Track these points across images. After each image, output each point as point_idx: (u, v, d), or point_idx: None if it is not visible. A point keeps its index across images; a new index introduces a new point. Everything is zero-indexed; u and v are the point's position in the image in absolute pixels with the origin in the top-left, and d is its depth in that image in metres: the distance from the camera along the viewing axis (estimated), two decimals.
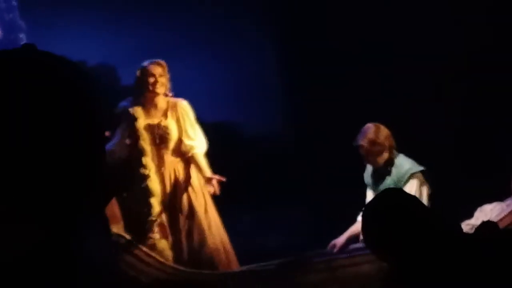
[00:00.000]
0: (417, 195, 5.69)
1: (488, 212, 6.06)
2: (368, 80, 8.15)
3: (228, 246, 6.34)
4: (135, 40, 8.27)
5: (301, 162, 8.32)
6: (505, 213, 5.88)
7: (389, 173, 6.02)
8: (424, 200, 5.82)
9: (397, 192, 2.80)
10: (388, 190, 3.01)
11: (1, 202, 1.04)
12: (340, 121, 8.07)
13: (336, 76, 8.28)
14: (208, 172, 6.31)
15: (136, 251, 5.82)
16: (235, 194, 6.43)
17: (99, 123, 1.13)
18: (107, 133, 7.66)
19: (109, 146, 6.24)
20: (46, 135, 1.06)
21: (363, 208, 2.75)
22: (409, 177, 5.93)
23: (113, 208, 5.83)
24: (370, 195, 6.10)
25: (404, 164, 6.00)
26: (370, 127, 6.08)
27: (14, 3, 8.56)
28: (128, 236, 5.85)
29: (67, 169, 1.06)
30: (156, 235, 6.12)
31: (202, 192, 6.31)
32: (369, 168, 6.25)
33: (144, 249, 5.92)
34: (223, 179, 6.25)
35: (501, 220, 5.71)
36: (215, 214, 6.34)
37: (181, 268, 6.05)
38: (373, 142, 6.01)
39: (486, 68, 7.79)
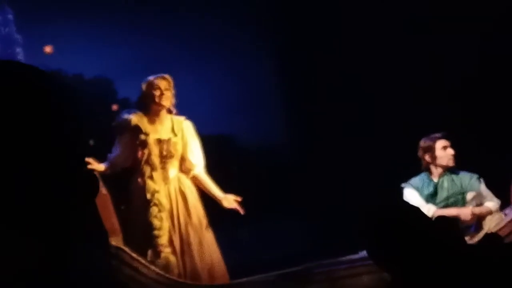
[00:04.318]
0: (489, 194, 6.26)
1: (487, 221, 6.10)
2: (367, 91, 8.17)
3: (220, 261, 6.33)
4: (133, 54, 8.28)
5: (300, 174, 8.32)
6: (504, 222, 5.89)
7: (453, 180, 6.35)
8: (493, 196, 6.25)
9: (400, 203, 2.80)
10: (390, 200, 3.01)
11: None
12: (340, 133, 8.10)
13: (335, 88, 8.30)
14: (219, 192, 6.36)
15: (136, 264, 5.80)
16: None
17: (74, 134, 1.12)
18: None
19: (110, 157, 6.25)
20: (23, 146, 1.05)
21: (365, 218, 2.74)
22: (477, 180, 6.32)
23: (112, 220, 5.82)
24: (417, 200, 6.21)
25: (464, 172, 6.37)
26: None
27: (10, 17, 8.56)
28: (127, 249, 5.83)
29: (52, 180, 1.06)
30: (167, 249, 6.12)
31: (196, 208, 6.31)
32: (424, 178, 6.35)
33: (143, 261, 5.90)
34: (239, 199, 6.31)
35: (500, 229, 5.73)
36: (209, 230, 6.35)
37: (181, 280, 6.04)
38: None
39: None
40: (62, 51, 8.45)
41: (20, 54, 8.34)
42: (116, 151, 6.29)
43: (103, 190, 5.81)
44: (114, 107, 9.08)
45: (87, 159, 5.99)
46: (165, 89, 6.28)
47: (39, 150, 1.04)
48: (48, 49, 8.44)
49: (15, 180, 1.01)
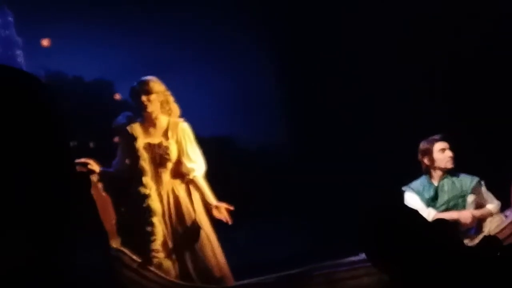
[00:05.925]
0: (489, 197, 6.23)
1: (488, 223, 6.09)
2: (368, 92, 8.17)
3: (223, 263, 6.31)
4: (133, 54, 8.28)
5: (300, 175, 8.32)
6: (505, 224, 5.89)
7: (453, 183, 6.34)
8: (493, 198, 6.24)
9: (398, 205, 2.80)
10: (388, 203, 3.01)
11: None
12: (340, 134, 8.09)
13: (335, 89, 8.30)
14: (212, 198, 6.27)
15: (136, 266, 5.80)
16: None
17: (66, 136, 1.12)
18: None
19: (114, 163, 6.23)
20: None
21: (363, 220, 2.74)
22: (478, 182, 6.28)
23: (112, 222, 5.82)
24: (418, 203, 6.21)
25: (464, 175, 6.35)
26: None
27: (11, 19, 8.58)
28: (127, 251, 5.83)
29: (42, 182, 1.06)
30: (161, 254, 6.09)
31: (190, 212, 6.28)
32: (425, 182, 6.35)
33: (143, 263, 5.91)
34: (231, 208, 6.23)
35: (500, 231, 5.73)
36: (211, 232, 6.32)
37: (181, 282, 6.04)
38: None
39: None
40: (62, 53, 8.46)
41: (20, 56, 8.35)
42: (117, 157, 6.28)
43: (103, 192, 5.82)
44: (117, 96, 9.08)
45: (86, 160, 6.00)
46: (150, 93, 6.14)
47: (35, 152, 1.04)
48: (45, 42, 8.43)
49: (14, 180, 1.01)
